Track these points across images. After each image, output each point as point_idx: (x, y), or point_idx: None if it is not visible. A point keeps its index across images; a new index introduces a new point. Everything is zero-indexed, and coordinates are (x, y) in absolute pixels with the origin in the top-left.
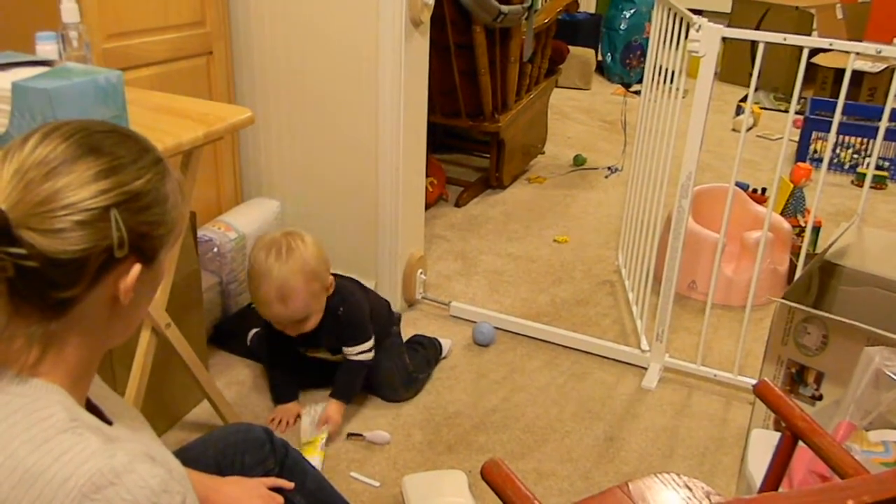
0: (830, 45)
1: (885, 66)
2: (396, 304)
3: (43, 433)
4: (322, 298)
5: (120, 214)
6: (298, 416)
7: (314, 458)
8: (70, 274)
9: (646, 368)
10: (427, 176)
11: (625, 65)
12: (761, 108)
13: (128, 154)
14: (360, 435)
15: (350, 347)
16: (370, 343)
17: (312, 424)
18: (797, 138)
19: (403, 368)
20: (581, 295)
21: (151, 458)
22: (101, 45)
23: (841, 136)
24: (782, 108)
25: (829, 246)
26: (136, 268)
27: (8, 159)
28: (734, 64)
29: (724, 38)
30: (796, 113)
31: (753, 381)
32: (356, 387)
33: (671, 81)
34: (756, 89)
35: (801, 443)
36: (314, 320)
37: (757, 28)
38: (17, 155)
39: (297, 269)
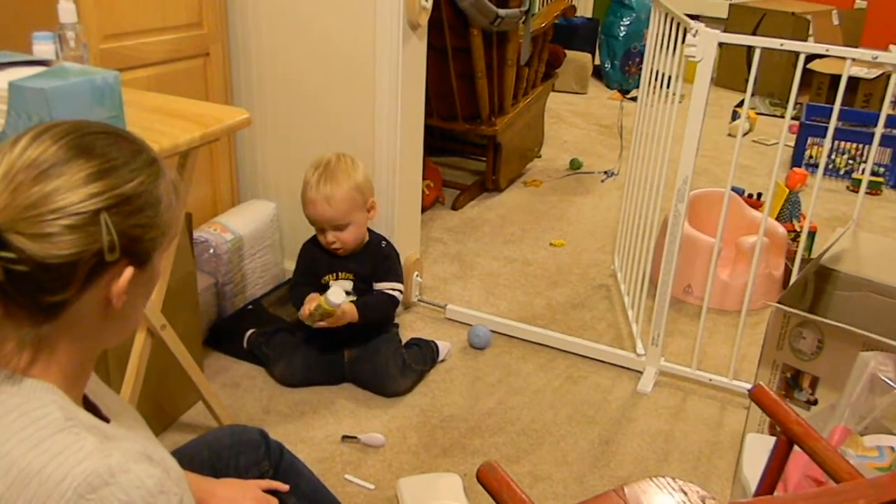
0: (826, 50)
1: (880, 72)
2: None
3: (39, 432)
4: (362, 214)
5: (111, 218)
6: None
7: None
8: (60, 278)
9: (641, 372)
10: (424, 179)
11: (624, 72)
12: (757, 114)
13: (120, 155)
14: (355, 437)
15: (384, 283)
16: (402, 286)
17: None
18: (793, 144)
19: (400, 356)
20: (577, 298)
21: (148, 458)
22: (98, 45)
23: (836, 142)
24: (778, 113)
25: (825, 251)
26: (129, 271)
27: None
28: (730, 69)
29: (720, 44)
30: (792, 118)
31: (748, 386)
32: (377, 311)
33: (668, 86)
34: (752, 94)
35: (796, 447)
36: (352, 233)
37: (753, 33)
38: (7, 157)
39: (343, 178)
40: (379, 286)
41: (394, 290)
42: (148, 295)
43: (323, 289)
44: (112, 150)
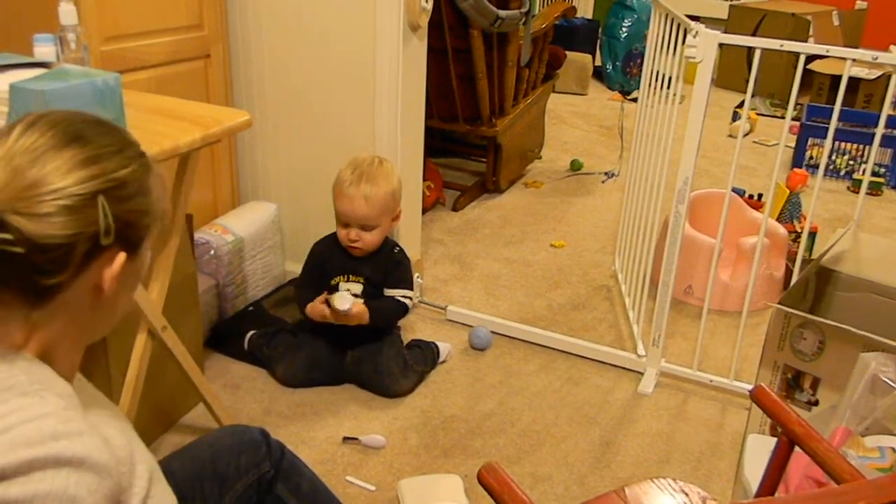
0: (827, 51)
1: (881, 72)
2: None
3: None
4: (388, 220)
5: (107, 201)
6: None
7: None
8: (57, 260)
9: (642, 373)
10: (424, 180)
11: (626, 73)
12: (758, 114)
13: (112, 144)
14: (356, 438)
15: (396, 290)
16: (412, 293)
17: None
18: (793, 144)
19: (402, 356)
20: (577, 300)
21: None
22: (98, 47)
23: (837, 143)
24: (778, 114)
25: (826, 252)
26: (121, 257)
27: None
28: (731, 70)
29: (720, 45)
30: (792, 119)
31: (749, 387)
32: (387, 314)
33: (668, 87)
34: (752, 95)
35: (797, 448)
36: (376, 236)
37: (753, 34)
38: (3, 143)
39: (382, 181)
40: (390, 293)
41: (405, 297)
42: (134, 287)
43: (330, 290)
44: (104, 139)
